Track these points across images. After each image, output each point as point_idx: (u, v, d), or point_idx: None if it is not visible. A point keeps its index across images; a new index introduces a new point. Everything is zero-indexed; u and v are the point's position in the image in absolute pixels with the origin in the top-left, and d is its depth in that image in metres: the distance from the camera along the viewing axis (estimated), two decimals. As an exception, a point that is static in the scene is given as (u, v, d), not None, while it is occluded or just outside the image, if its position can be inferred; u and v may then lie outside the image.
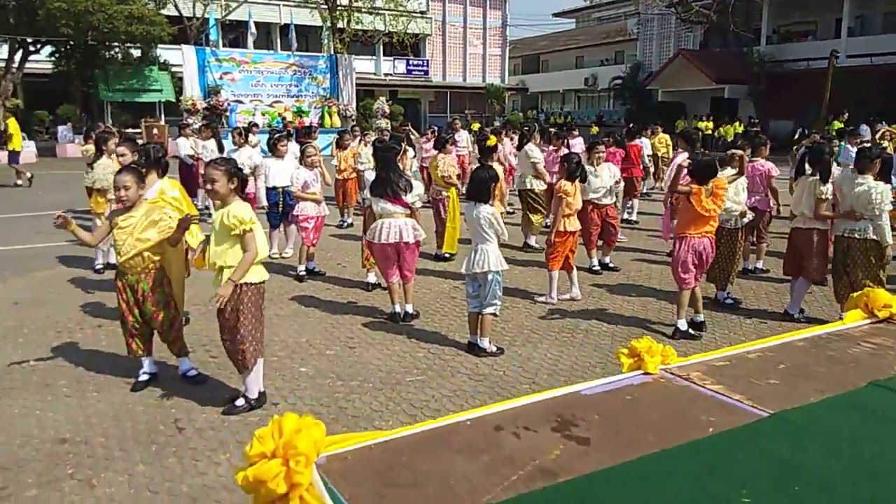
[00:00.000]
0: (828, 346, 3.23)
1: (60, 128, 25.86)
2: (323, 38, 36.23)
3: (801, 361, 3.03)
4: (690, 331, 5.97)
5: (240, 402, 4.45)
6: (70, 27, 22.69)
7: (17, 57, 23.47)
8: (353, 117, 31.73)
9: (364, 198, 7.36)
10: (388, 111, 33.03)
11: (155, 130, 24.18)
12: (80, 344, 5.79)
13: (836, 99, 28.98)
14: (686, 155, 9.20)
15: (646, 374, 2.91)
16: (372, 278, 7.57)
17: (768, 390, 2.74)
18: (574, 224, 6.90)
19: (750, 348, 3.18)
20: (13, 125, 16.48)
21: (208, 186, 4.22)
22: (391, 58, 43.91)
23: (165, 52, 29.53)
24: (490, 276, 5.40)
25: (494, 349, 5.52)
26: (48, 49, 25.45)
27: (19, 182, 16.56)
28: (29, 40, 23.39)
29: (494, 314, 5.51)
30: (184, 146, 13.77)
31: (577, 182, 6.81)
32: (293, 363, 5.37)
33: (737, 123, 31.74)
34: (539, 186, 9.31)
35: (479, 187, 5.44)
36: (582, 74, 55.25)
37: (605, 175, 7.78)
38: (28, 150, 23.28)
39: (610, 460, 2.16)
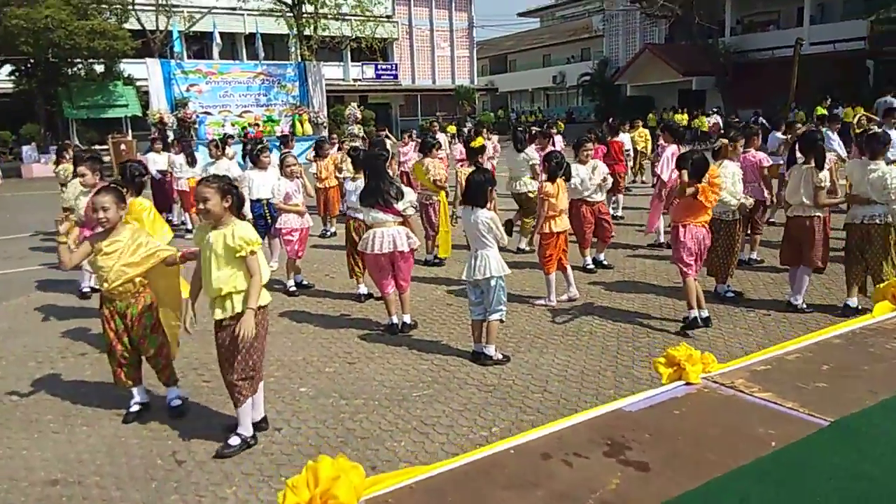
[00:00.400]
0: (865, 342, 3.13)
1: (25, 148, 25.23)
2: (290, 45, 35.82)
3: (843, 361, 2.91)
4: (699, 321, 5.86)
5: (234, 440, 4.12)
6: (30, 44, 22.11)
7: (-24, 77, 22.82)
8: (325, 124, 31.43)
9: (349, 207, 7.13)
10: (360, 117, 32.73)
11: (123, 146, 23.61)
12: (63, 375, 5.49)
13: (801, 86, 29.40)
14: (675, 147, 9.17)
15: (688, 384, 2.76)
16: (363, 289, 7.35)
17: (819, 395, 2.60)
18: (561, 224, 6.71)
19: (788, 349, 3.06)
20: None
21: (200, 206, 3.89)
22: (359, 63, 43.64)
23: (129, 67, 28.98)
24: (493, 282, 5.22)
25: (500, 357, 5.34)
26: (8, 68, 24.76)
27: None
28: (-13, 59, 22.77)
29: (501, 320, 5.34)
30: (154, 161, 13.44)
31: (559, 181, 6.66)
32: (291, 383, 5.14)
33: (707, 115, 31.74)
34: (535, 188, 9.17)
35: (477, 191, 5.26)
36: (549, 73, 55.49)
37: (597, 172, 7.66)
38: (-9, 171, 22.67)
39: (676, 487, 2.00)
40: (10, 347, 6.21)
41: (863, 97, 28.48)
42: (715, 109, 33.64)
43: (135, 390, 4.66)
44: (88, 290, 7.80)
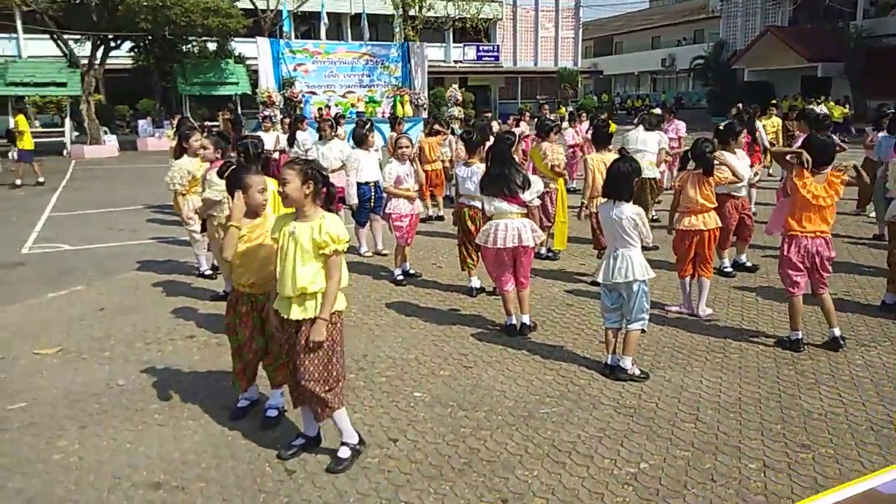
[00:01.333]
0: None
1: (140, 122, 26.21)
2: (394, 26, 35.66)
3: None
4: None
5: (344, 452, 3.71)
6: (148, 21, 22.78)
7: (99, 53, 23.75)
8: (425, 106, 31.13)
9: (462, 194, 6.61)
10: (460, 99, 32.26)
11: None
12: (171, 360, 5.28)
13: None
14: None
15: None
16: (476, 282, 6.85)
17: None
18: (699, 222, 5.93)
19: None
20: (22, 122, 15.98)
21: (280, 189, 3.47)
22: (461, 44, 43.08)
23: (240, 45, 29.56)
24: (636, 287, 4.59)
25: (638, 373, 4.71)
26: (128, 44, 25.75)
27: (18, 183, 15.41)
28: (110, 36, 23.61)
29: (642, 330, 4.71)
30: (266, 140, 13.40)
31: (693, 173, 5.89)
32: (405, 386, 4.70)
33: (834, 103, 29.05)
34: (656, 175, 8.40)
35: (620, 182, 4.63)
36: (658, 55, 53.17)
37: (745, 163, 6.81)
38: (110, 143, 23.66)
39: None
40: (120, 325, 6.09)
41: None
42: (844, 98, 31.08)
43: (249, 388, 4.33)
44: (210, 271, 7.62)
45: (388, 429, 4.08)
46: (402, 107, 30.13)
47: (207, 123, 18.46)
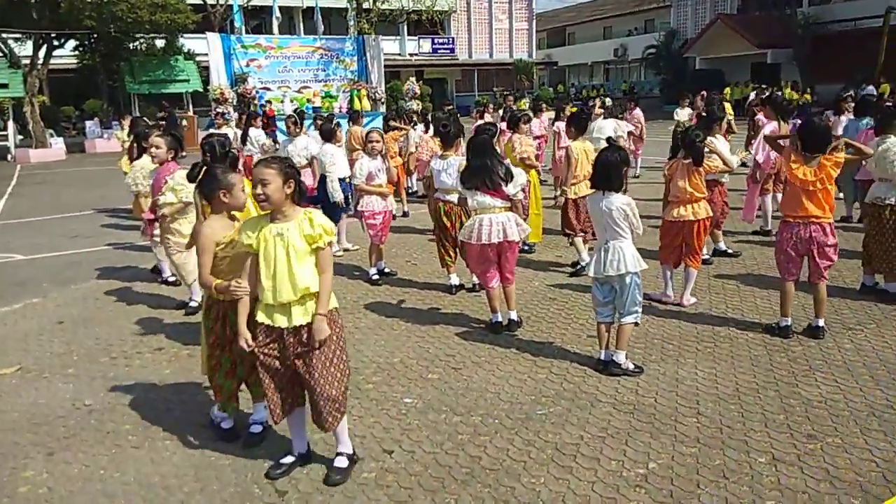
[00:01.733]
0: None
1: (88, 123, 25.29)
2: (348, 19, 35.13)
3: None
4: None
5: (341, 461, 3.52)
6: (93, 18, 21.93)
7: (42, 52, 22.78)
8: (383, 100, 30.75)
9: (438, 188, 6.42)
10: (418, 92, 31.98)
11: (184, 122, 23.40)
12: (140, 374, 4.96)
13: (889, 60, 27.40)
14: (774, 124, 8.17)
15: None
16: (455, 279, 6.67)
17: None
18: (688, 212, 5.85)
19: None
20: None
21: (258, 190, 3.21)
22: (416, 37, 42.75)
23: (190, 42, 28.77)
24: (628, 279, 4.47)
25: (632, 367, 4.59)
26: (72, 43, 24.77)
27: None
28: (52, 34, 22.67)
29: (636, 323, 4.59)
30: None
31: (688, 163, 5.81)
32: (393, 392, 4.49)
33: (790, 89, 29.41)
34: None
35: (608, 172, 4.49)
36: (610, 46, 53.61)
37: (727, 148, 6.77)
38: (57, 146, 22.76)
39: None
40: (81, 339, 5.74)
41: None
42: (792, 83, 31.73)
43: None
44: (173, 277, 7.19)
45: (382, 440, 3.88)
46: (360, 101, 29.68)
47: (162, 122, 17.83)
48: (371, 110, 29.27)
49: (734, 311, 5.76)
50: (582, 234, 7.14)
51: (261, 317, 3.35)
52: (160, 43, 27.67)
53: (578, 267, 7.01)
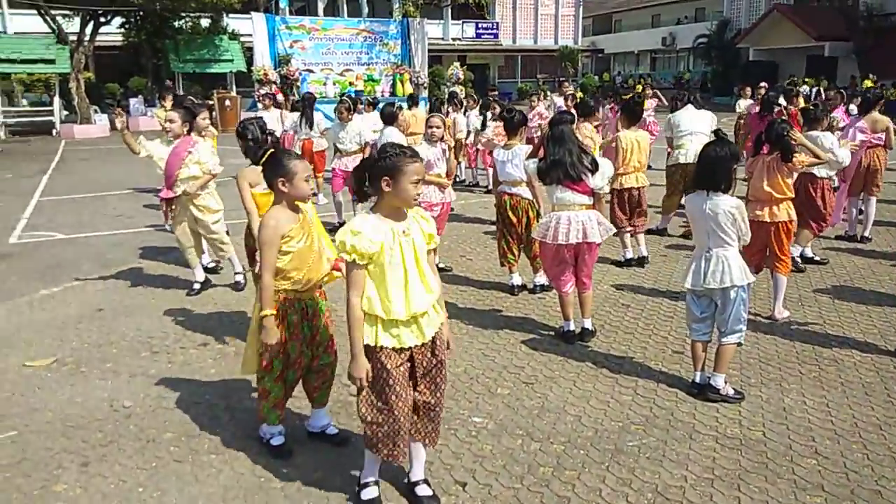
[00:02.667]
0: None
1: (132, 100, 25.20)
2: (393, 1, 34.61)
3: None
4: None
5: (425, 490, 3.10)
6: (139, -4, 21.79)
7: (88, 29, 22.70)
8: (426, 85, 30.24)
9: (503, 181, 5.94)
10: (461, 77, 31.42)
11: (227, 102, 23.21)
12: (183, 373, 4.58)
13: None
14: (864, 122, 7.51)
15: None
16: (517, 279, 6.17)
17: None
18: (764, 213, 5.23)
19: None
20: None
21: (415, 187, 2.79)
22: (459, 21, 42.00)
23: (234, 21, 28.50)
24: (733, 293, 3.93)
25: (731, 392, 4.06)
26: (118, 20, 24.65)
27: None
28: (99, 11, 22.55)
29: (739, 343, 4.05)
30: (268, 120, 12.70)
31: (773, 158, 5.23)
32: (461, 409, 4.03)
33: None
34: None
35: (714, 169, 3.94)
36: (658, 34, 52.22)
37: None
38: (101, 123, 22.72)
39: None
40: (122, 330, 5.39)
41: None
42: (850, 78, 30.32)
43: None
44: (213, 263, 6.85)
45: (452, 467, 3.42)
46: (402, 85, 29.24)
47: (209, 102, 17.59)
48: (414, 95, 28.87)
49: (833, 328, 5.17)
50: (631, 227, 6.92)
51: (387, 339, 2.83)
52: (205, 22, 27.45)
53: (624, 260, 6.91)
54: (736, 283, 3.90)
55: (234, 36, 27.59)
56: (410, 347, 2.86)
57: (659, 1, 54.68)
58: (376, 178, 2.75)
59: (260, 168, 4.57)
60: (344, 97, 9.88)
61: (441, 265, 6.90)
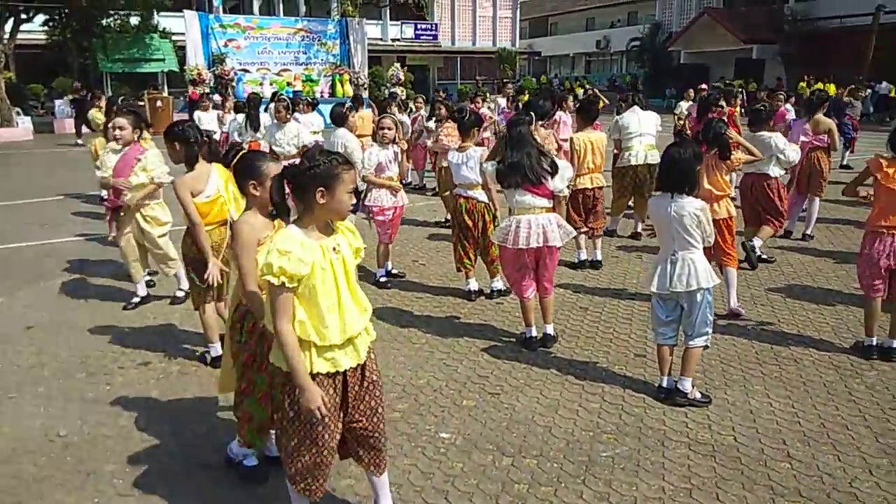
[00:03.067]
0: None
1: (57, 102, 24.04)
2: (330, 1, 34.11)
3: None
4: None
5: None
6: (63, -9, 20.80)
7: (8, 26, 21.52)
8: (366, 85, 29.91)
9: (459, 184, 5.80)
10: (402, 78, 31.21)
11: (159, 103, 22.38)
12: (124, 396, 4.25)
13: (875, 58, 27.24)
14: (804, 123, 7.72)
15: None
16: (473, 284, 6.04)
17: None
18: (713, 211, 5.31)
19: None
20: None
21: (346, 203, 2.56)
22: (398, 22, 41.78)
23: (166, 20, 27.58)
24: (699, 296, 3.89)
25: (699, 396, 4.02)
26: (41, 17, 23.48)
27: None
28: (20, 7, 21.42)
29: (705, 346, 4.01)
30: (200, 120, 12.28)
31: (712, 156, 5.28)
32: (426, 423, 3.86)
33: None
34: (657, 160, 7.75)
35: (678, 171, 3.88)
36: (593, 37, 53.22)
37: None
38: (24, 126, 21.59)
39: None
40: (54, 350, 5.00)
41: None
42: (776, 80, 31.51)
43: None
44: (149, 276, 6.40)
45: (422, 489, 3.24)
46: (342, 86, 28.84)
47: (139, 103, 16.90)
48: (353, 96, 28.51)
49: (788, 327, 5.23)
50: (588, 229, 6.91)
51: (321, 364, 2.56)
52: (135, 20, 26.46)
53: (578, 262, 6.90)
54: (702, 286, 3.86)
55: (165, 34, 26.71)
56: (345, 371, 2.63)
57: (593, 4, 55.73)
58: (308, 188, 2.46)
59: (198, 174, 4.37)
60: (281, 96, 9.53)
61: (395, 271, 6.71)
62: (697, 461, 3.43)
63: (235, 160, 3.07)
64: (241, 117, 10.03)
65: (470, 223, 5.75)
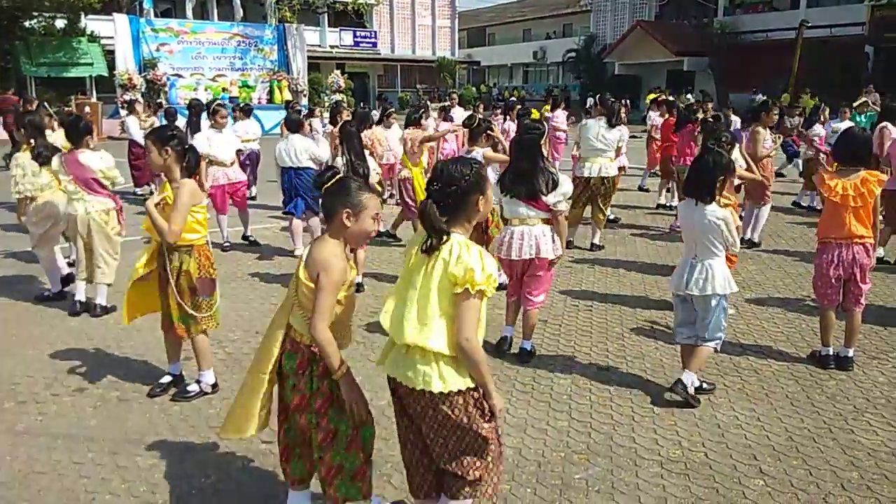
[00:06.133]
0: None
1: (-25, 107, 22.69)
2: (267, 6, 33.47)
3: None
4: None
5: None
6: (-18, -9, 19.69)
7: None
8: (305, 92, 29.46)
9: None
10: (343, 85, 30.87)
11: (87, 109, 21.40)
12: (58, 427, 3.91)
13: (799, 71, 28.47)
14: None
15: None
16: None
17: None
18: None
19: None
20: None
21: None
22: (337, 29, 41.37)
23: (94, 23, 26.44)
24: (714, 302, 3.99)
25: (704, 386, 4.20)
26: (-44, 17, 22.22)
27: None
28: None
29: (716, 349, 4.15)
30: (133, 125, 11.81)
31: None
32: (391, 450, 3.66)
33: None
34: (613, 173, 7.76)
35: (703, 178, 3.94)
36: (530, 48, 53.89)
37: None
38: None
39: None
40: (-23, 377, 4.58)
41: (860, 84, 27.51)
42: (701, 93, 32.62)
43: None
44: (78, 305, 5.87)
45: (391, 519, 3.06)
46: (280, 92, 28.31)
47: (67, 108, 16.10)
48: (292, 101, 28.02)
49: (744, 337, 5.26)
50: None
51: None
52: (61, 23, 25.29)
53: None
54: (717, 292, 3.97)
55: (93, 38, 25.60)
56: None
57: (529, 16, 56.54)
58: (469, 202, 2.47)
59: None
60: (220, 102, 9.20)
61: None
62: (671, 481, 3.35)
63: (331, 182, 2.65)
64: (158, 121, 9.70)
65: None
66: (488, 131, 6.00)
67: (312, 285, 2.60)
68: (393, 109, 9.26)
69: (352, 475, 2.76)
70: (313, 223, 7.41)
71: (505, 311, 5.00)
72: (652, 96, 19.10)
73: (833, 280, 4.55)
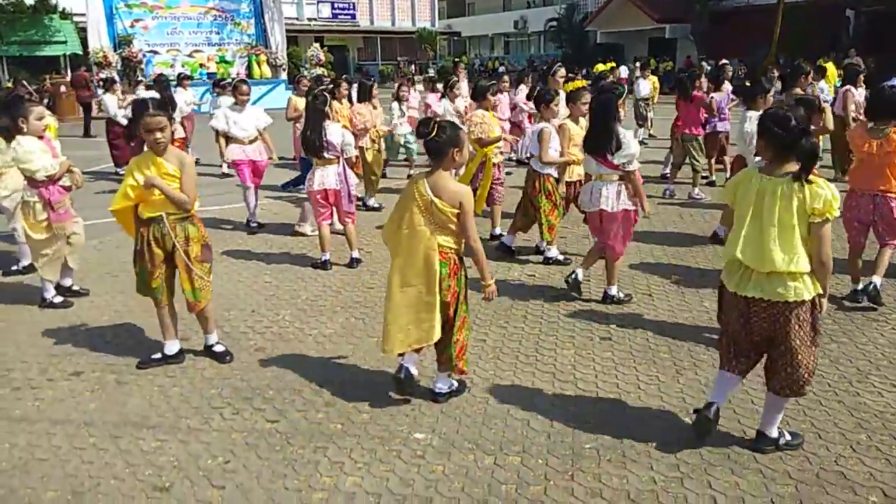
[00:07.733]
0: None
1: (-55, 89, 22.13)
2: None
3: None
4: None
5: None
6: (-54, -34, 19.06)
7: None
8: (285, 66, 28.97)
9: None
10: (323, 59, 30.37)
11: (62, 88, 20.95)
12: (56, 412, 3.82)
13: (780, 37, 28.43)
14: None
15: None
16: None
17: None
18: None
19: None
20: None
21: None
22: (314, 1, 40.63)
23: (66, 0, 25.78)
24: None
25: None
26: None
27: None
28: None
29: None
30: (111, 104, 11.62)
31: None
32: (397, 424, 3.62)
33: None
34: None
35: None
36: (510, 17, 53.28)
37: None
38: None
39: None
40: (-32, 364, 4.48)
41: (842, 49, 27.51)
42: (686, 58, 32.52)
43: None
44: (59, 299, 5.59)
45: (404, 498, 3.02)
46: (259, 67, 27.80)
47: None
48: (272, 77, 27.57)
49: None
50: None
51: None
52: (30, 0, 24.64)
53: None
54: None
55: (65, 15, 24.97)
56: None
57: (508, -16, 55.85)
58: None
59: None
60: (241, 79, 9.03)
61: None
62: (682, 447, 3.34)
63: (436, 132, 3.37)
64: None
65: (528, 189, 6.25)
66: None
67: (456, 210, 3.41)
68: (374, 82, 8.95)
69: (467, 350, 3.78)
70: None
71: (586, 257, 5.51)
72: (600, 67, 18.43)
73: (855, 223, 5.11)
